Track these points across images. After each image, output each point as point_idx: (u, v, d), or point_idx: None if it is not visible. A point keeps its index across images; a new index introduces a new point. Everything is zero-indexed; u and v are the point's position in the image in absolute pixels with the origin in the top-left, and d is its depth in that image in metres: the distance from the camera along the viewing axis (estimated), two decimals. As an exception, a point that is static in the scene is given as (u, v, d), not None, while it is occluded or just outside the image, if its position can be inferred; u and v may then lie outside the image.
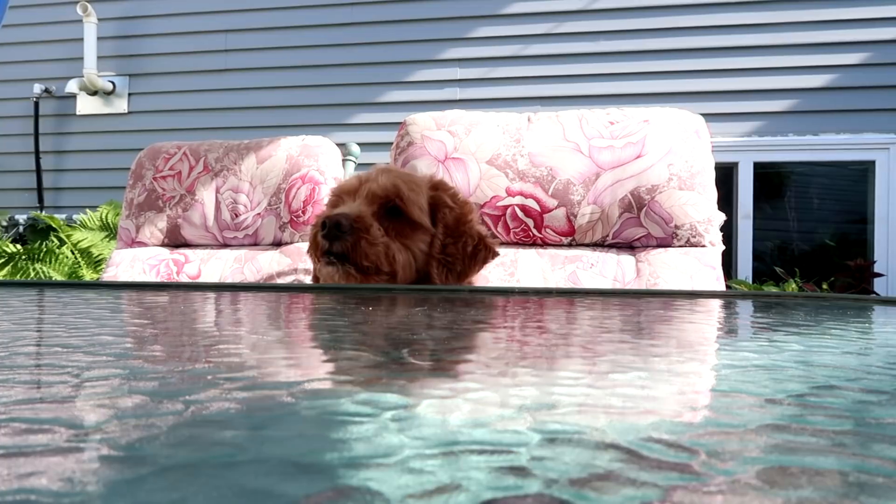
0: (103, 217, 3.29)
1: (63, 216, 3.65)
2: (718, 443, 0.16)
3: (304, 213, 1.58)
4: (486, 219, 1.39)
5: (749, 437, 0.17)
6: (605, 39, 3.25)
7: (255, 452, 0.15)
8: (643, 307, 0.57)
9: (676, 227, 1.32)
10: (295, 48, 3.55)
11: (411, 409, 0.19)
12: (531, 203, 1.37)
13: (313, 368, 0.28)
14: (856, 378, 0.26)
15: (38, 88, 3.75)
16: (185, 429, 0.17)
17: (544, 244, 1.41)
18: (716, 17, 3.16)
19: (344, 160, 1.76)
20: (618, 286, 1.30)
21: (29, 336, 0.38)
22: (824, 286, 2.81)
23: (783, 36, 3.09)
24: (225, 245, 1.68)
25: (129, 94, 3.74)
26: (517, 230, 1.39)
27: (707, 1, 3.17)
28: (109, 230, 3.23)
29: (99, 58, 3.68)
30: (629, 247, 1.38)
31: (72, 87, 3.68)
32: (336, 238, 0.99)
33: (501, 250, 1.24)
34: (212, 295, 0.69)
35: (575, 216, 1.36)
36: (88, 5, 3.56)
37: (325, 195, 1.59)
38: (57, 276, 2.92)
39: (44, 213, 3.69)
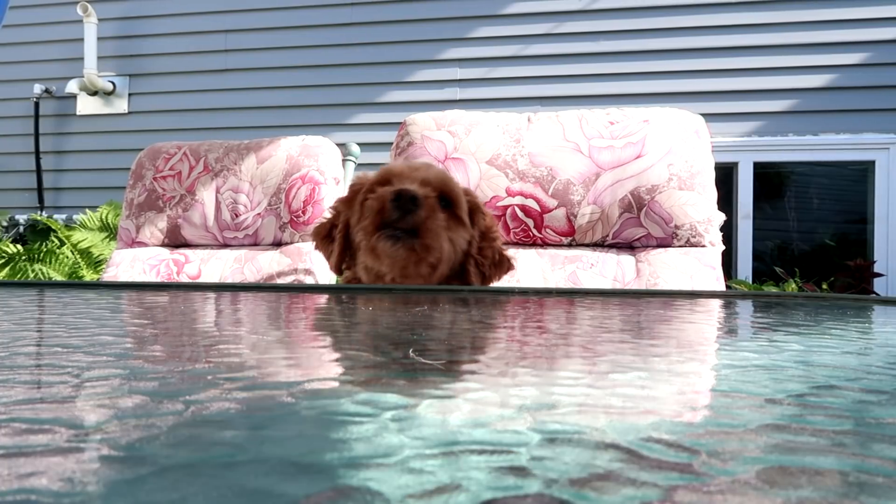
0: (103, 217, 3.29)
1: (63, 216, 3.65)
2: (718, 443, 0.16)
3: (304, 213, 1.58)
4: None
5: (749, 437, 0.17)
6: (605, 39, 3.25)
7: (255, 452, 0.15)
8: (643, 307, 0.57)
9: (676, 227, 1.32)
10: (295, 48, 3.55)
11: (411, 409, 0.19)
12: (531, 203, 1.37)
13: (313, 368, 0.28)
14: (856, 378, 0.26)
15: (38, 88, 3.75)
16: (185, 429, 0.17)
17: (544, 244, 1.41)
18: (716, 17, 3.16)
19: (344, 160, 1.76)
20: (618, 286, 1.30)
21: (29, 336, 0.38)
22: (824, 286, 2.81)
23: (783, 36, 3.09)
24: (225, 245, 1.68)
25: (130, 95, 3.74)
26: (517, 230, 1.39)
27: (707, 1, 3.17)
28: (109, 230, 3.23)
29: (99, 58, 3.68)
30: (629, 247, 1.38)
31: (72, 87, 3.68)
32: (409, 212, 0.97)
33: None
34: (212, 295, 0.69)
35: (575, 216, 1.36)
36: (89, 5, 3.56)
37: (325, 195, 1.60)
38: (57, 277, 2.92)
39: (44, 213, 3.70)
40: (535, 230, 1.39)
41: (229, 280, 1.55)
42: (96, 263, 3.04)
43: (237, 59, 3.61)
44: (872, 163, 3.05)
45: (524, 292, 0.71)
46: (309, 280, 1.52)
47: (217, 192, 1.65)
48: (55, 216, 3.66)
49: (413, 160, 1.12)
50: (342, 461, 0.14)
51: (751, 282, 3.04)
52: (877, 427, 0.18)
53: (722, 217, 1.36)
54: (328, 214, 1.17)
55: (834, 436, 0.17)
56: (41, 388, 0.23)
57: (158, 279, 1.59)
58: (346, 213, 1.11)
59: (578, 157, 1.37)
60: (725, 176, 3.18)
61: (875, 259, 2.98)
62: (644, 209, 1.33)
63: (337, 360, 0.31)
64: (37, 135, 3.74)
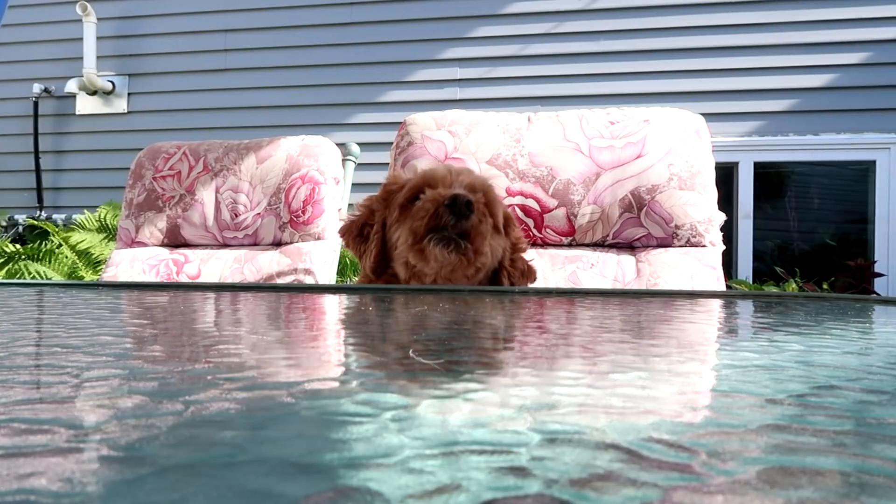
0: (103, 217, 3.29)
1: (62, 216, 3.65)
2: (718, 443, 0.16)
3: (303, 212, 1.58)
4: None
5: (749, 437, 0.17)
6: (605, 39, 3.25)
7: (255, 452, 0.15)
8: (643, 307, 0.57)
9: (677, 226, 1.32)
10: (294, 48, 3.55)
11: (411, 409, 0.19)
12: (531, 203, 1.37)
13: (313, 368, 0.28)
14: (856, 378, 0.26)
15: (37, 88, 3.75)
16: (185, 429, 0.17)
17: (544, 244, 1.41)
18: (716, 16, 3.16)
19: (344, 160, 1.76)
20: (618, 286, 1.30)
21: (29, 336, 0.38)
22: (825, 286, 2.81)
23: (783, 36, 3.09)
24: (225, 245, 1.68)
25: (129, 94, 3.74)
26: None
27: (707, 1, 3.17)
28: (109, 230, 3.23)
29: (98, 57, 3.68)
30: (629, 247, 1.38)
31: (71, 86, 3.68)
32: (464, 217, 0.97)
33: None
34: (212, 295, 0.69)
35: (575, 216, 1.36)
36: (88, 5, 3.56)
37: (325, 195, 1.60)
38: (56, 277, 2.92)
39: (43, 213, 3.70)
40: (535, 230, 1.39)
41: (229, 280, 1.55)
42: (95, 263, 3.04)
43: (237, 59, 3.61)
44: (873, 162, 3.05)
45: (524, 292, 0.71)
46: (309, 280, 1.52)
47: (217, 191, 1.65)
48: (54, 216, 3.66)
49: (452, 165, 1.12)
50: (342, 461, 0.14)
51: (751, 282, 3.04)
52: (877, 427, 0.18)
53: (722, 217, 1.36)
54: (358, 212, 1.16)
55: (834, 436, 0.17)
56: (41, 388, 0.23)
57: (158, 279, 1.59)
58: (381, 212, 1.11)
59: (579, 156, 1.37)
60: (726, 176, 3.18)
61: (875, 259, 2.98)
62: (644, 209, 1.33)
63: (337, 360, 0.31)
64: (36, 134, 3.74)
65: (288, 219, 1.59)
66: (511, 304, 0.59)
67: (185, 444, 0.16)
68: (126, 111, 3.74)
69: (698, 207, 1.32)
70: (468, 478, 0.13)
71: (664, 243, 1.35)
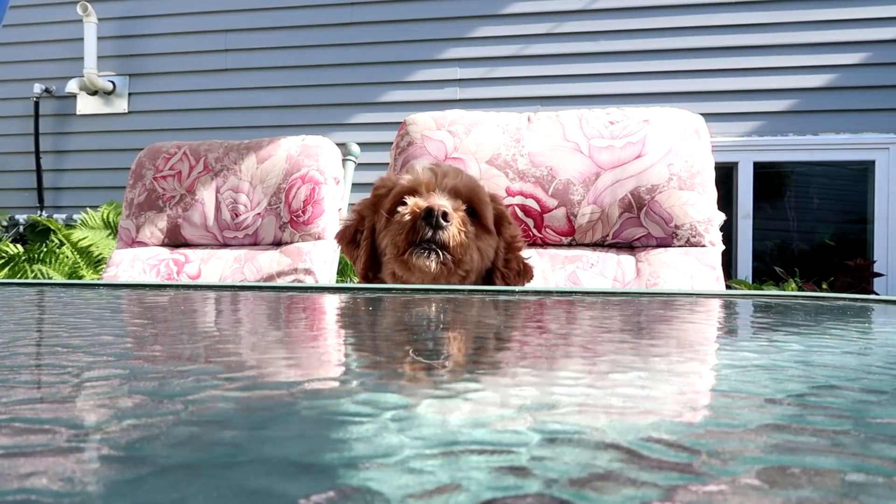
0: (103, 217, 3.29)
1: (63, 216, 3.65)
2: (718, 443, 0.16)
3: (304, 212, 1.58)
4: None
5: (749, 437, 0.17)
6: (605, 39, 3.25)
7: (256, 452, 0.15)
8: (643, 307, 0.57)
9: (676, 226, 1.32)
10: (295, 48, 3.55)
11: (411, 409, 0.19)
12: (531, 203, 1.37)
13: (313, 368, 0.28)
14: (856, 378, 0.26)
15: (38, 88, 3.75)
16: (185, 429, 0.17)
17: (544, 244, 1.41)
18: (716, 16, 3.16)
19: (344, 160, 1.76)
20: (618, 286, 1.30)
21: (29, 336, 0.38)
22: (824, 286, 2.81)
23: (783, 36, 3.09)
24: (225, 245, 1.68)
25: (129, 94, 3.74)
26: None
27: (707, 1, 3.17)
28: (110, 230, 3.23)
29: (99, 58, 3.68)
30: (629, 247, 1.38)
31: (72, 86, 3.68)
32: (440, 228, 0.99)
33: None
34: (212, 295, 0.69)
35: (575, 216, 1.36)
36: (88, 5, 3.56)
37: (325, 195, 1.60)
38: (57, 277, 2.92)
39: (44, 213, 3.70)
40: (535, 230, 1.39)
41: (229, 280, 1.55)
42: (96, 263, 3.04)
43: (237, 59, 3.61)
44: (872, 162, 3.05)
45: (524, 292, 0.71)
46: (309, 280, 1.52)
47: (217, 191, 1.65)
48: (55, 216, 3.66)
49: (441, 165, 1.13)
50: (342, 461, 0.14)
51: (751, 282, 3.04)
52: (877, 427, 0.18)
53: (722, 217, 1.36)
54: (351, 217, 1.18)
55: (834, 436, 0.17)
56: (41, 388, 0.23)
57: (158, 279, 1.59)
58: (370, 217, 1.12)
59: (578, 156, 1.37)
60: (725, 176, 3.18)
61: (875, 259, 2.98)
62: (644, 209, 1.33)
63: (337, 360, 0.31)
64: (37, 134, 3.74)
65: (288, 219, 1.59)
66: (511, 304, 0.59)
67: (186, 443, 0.16)
68: (126, 111, 3.74)
69: (698, 207, 1.32)
70: (468, 477, 0.13)
71: (664, 243, 1.35)
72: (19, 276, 2.88)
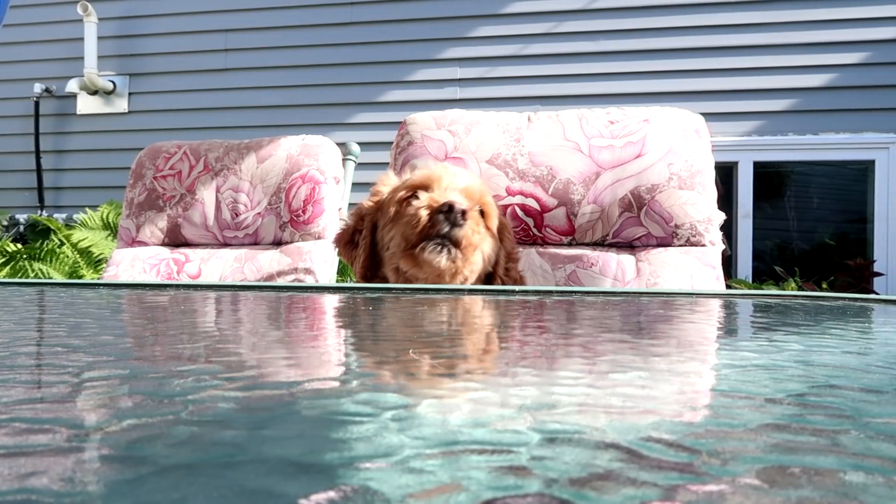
0: (103, 217, 3.29)
1: (63, 215, 3.65)
2: (718, 443, 0.16)
3: (304, 212, 1.58)
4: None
5: (749, 437, 0.17)
6: (604, 39, 3.25)
7: (256, 452, 0.15)
8: (643, 307, 0.57)
9: (676, 226, 1.32)
10: (295, 48, 3.55)
11: (411, 409, 0.19)
12: (531, 202, 1.37)
13: (313, 368, 0.28)
14: (856, 378, 0.26)
15: (38, 88, 3.75)
16: (185, 429, 0.17)
17: (544, 243, 1.41)
18: (716, 16, 3.16)
19: (344, 160, 1.76)
20: (618, 286, 1.30)
21: (29, 336, 0.38)
22: (824, 285, 2.81)
23: (783, 35, 3.09)
24: (225, 244, 1.68)
25: (130, 94, 3.74)
26: (517, 230, 1.39)
27: (707, 1, 3.17)
28: (110, 230, 3.23)
29: (99, 57, 3.68)
30: (629, 246, 1.38)
31: (72, 86, 3.68)
32: (458, 225, 0.98)
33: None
34: (212, 295, 0.69)
35: (575, 215, 1.36)
36: (89, 5, 3.56)
37: (325, 194, 1.60)
38: (57, 276, 2.92)
39: (44, 212, 3.70)
40: (535, 229, 1.39)
41: (229, 279, 1.55)
42: (96, 263, 3.04)
43: (237, 59, 3.61)
44: (872, 162, 3.05)
45: (524, 292, 0.71)
46: (309, 279, 1.52)
47: (217, 191, 1.65)
48: (55, 215, 3.66)
49: (450, 166, 1.13)
50: (342, 461, 0.14)
51: (751, 281, 3.04)
52: (876, 427, 0.18)
53: (722, 216, 1.36)
54: (348, 221, 1.18)
55: (834, 436, 0.17)
56: (41, 387, 0.23)
57: (158, 278, 1.59)
58: (371, 216, 1.12)
59: (578, 156, 1.37)
60: (725, 175, 3.18)
61: (875, 258, 2.98)
62: (644, 208, 1.33)
63: (337, 360, 0.31)
64: (37, 134, 3.74)
65: (288, 218, 1.59)
66: (511, 304, 0.59)
67: (186, 443, 0.16)
68: (127, 111, 3.74)
69: (698, 207, 1.32)
70: (468, 477, 0.13)
71: (664, 243, 1.35)
72: (20, 275, 2.88)
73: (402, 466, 0.14)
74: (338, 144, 1.72)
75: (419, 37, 3.43)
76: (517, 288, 0.77)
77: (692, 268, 1.29)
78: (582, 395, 0.21)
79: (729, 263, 3.13)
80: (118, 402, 0.20)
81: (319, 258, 1.56)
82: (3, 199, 3.82)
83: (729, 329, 0.50)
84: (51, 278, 2.85)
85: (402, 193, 1.06)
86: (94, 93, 3.73)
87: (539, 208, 1.37)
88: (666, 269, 1.29)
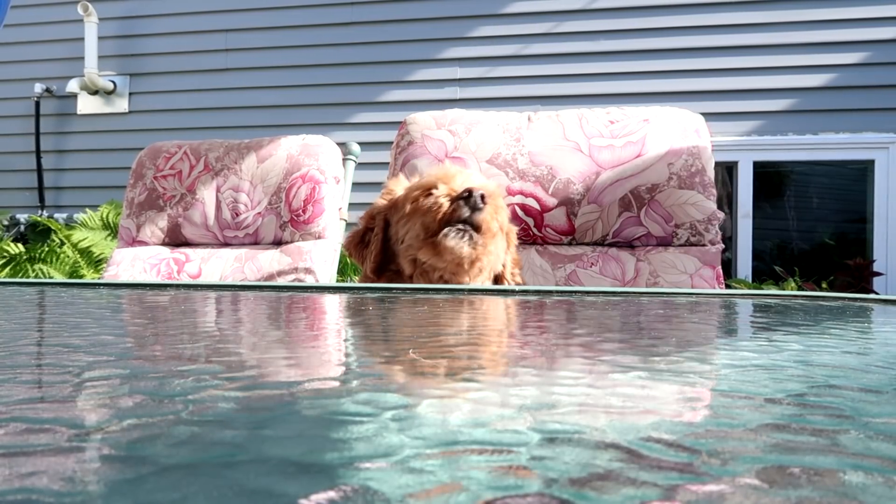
0: (103, 217, 3.29)
1: (64, 215, 3.65)
2: (718, 443, 0.16)
3: (304, 212, 1.58)
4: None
5: (749, 437, 0.17)
6: (604, 39, 3.25)
7: (256, 452, 0.15)
8: (643, 307, 0.57)
9: (676, 226, 1.32)
10: (295, 47, 3.55)
11: (411, 409, 0.19)
12: (531, 202, 1.37)
13: (314, 368, 0.28)
14: (855, 378, 0.26)
15: (38, 88, 3.75)
16: (185, 429, 0.17)
17: (544, 243, 1.41)
18: (716, 16, 3.15)
19: (344, 159, 1.76)
20: (618, 285, 1.30)
21: (30, 336, 0.38)
22: (824, 285, 2.81)
23: (783, 35, 3.09)
24: (225, 244, 1.68)
25: (130, 94, 3.74)
26: (517, 229, 1.39)
27: (707, 1, 3.17)
28: (110, 229, 3.23)
29: (100, 57, 3.68)
30: (629, 246, 1.38)
31: (72, 86, 3.68)
32: (478, 209, 1.00)
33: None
34: (212, 294, 0.69)
35: (575, 215, 1.36)
36: (89, 5, 3.56)
37: (325, 194, 1.60)
38: (58, 276, 2.92)
39: (45, 212, 3.70)
40: (535, 229, 1.39)
41: (230, 279, 1.55)
42: (97, 262, 3.04)
43: (237, 59, 3.61)
44: (872, 162, 3.05)
45: (524, 292, 0.71)
46: (309, 279, 1.52)
47: (217, 191, 1.65)
48: (56, 215, 3.66)
49: (459, 167, 1.15)
50: (342, 461, 0.14)
51: (750, 281, 3.04)
52: (876, 427, 0.18)
53: (722, 216, 1.36)
54: (358, 225, 1.20)
55: (834, 436, 0.17)
56: (42, 387, 0.23)
57: (159, 278, 1.59)
58: (382, 215, 1.13)
59: (578, 156, 1.37)
60: (725, 175, 3.18)
61: (874, 258, 2.98)
62: (644, 208, 1.33)
63: (337, 360, 0.31)
64: (37, 134, 3.74)
65: (288, 218, 1.59)
66: (511, 304, 0.59)
67: (186, 443, 0.16)
68: (127, 111, 3.74)
69: (698, 206, 1.32)
70: (468, 477, 0.13)
71: (664, 242, 1.35)
72: (20, 275, 2.88)
73: (402, 466, 0.14)
74: (338, 144, 1.72)
75: (419, 37, 3.43)
76: (517, 288, 0.77)
77: (692, 267, 1.29)
78: (582, 395, 0.21)
79: (729, 263, 3.13)
80: (118, 402, 0.20)
81: (319, 258, 1.56)
82: (4, 198, 3.82)
83: (729, 329, 0.50)
84: (51, 278, 2.85)
85: (418, 192, 1.08)
86: (95, 93, 3.73)
87: (539, 208, 1.37)
88: (666, 269, 1.29)
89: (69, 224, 3.47)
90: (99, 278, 2.50)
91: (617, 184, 1.34)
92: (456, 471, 0.14)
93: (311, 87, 3.52)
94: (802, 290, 2.68)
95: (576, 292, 0.71)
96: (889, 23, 3.01)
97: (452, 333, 0.40)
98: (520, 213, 1.37)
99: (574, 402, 0.20)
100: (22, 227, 3.67)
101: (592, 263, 1.33)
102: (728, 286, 2.46)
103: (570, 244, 1.41)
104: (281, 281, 1.51)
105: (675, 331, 0.43)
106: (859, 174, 3.24)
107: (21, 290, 0.73)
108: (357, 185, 2.03)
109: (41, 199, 3.74)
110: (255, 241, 1.65)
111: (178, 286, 0.77)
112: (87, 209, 3.39)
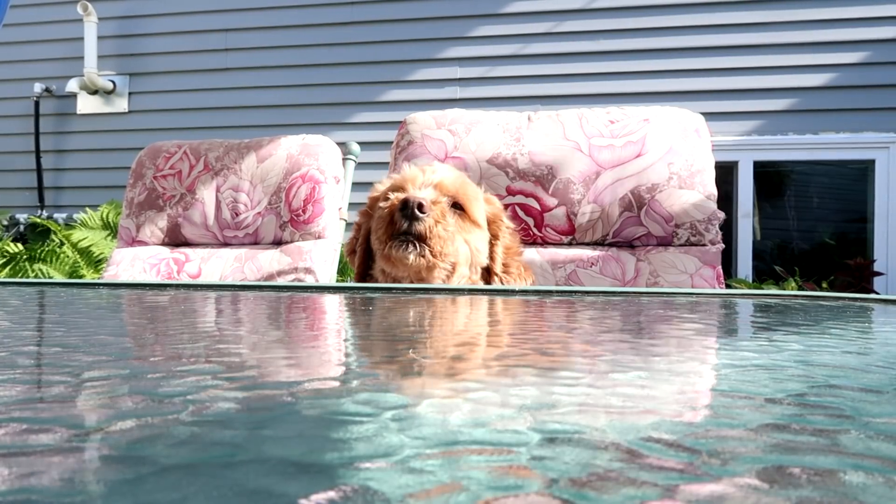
0: (103, 217, 3.29)
1: (63, 215, 3.65)
2: (718, 443, 0.16)
3: (304, 211, 1.58)
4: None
5: (749, 437, 0.17)
6: (605, 38, 3.25)
7: (256, 452, 0.15)
8: (643, 307, 0.57)
9: (677, 225, 1.32)
10: (295, 47, 3.55)
11: (411, 409, 0.19)
12: (531, 202, 1.37)
13: (313, 368, 0.28)
14: (855, 378, 0.26)
15: (38, 87, 3.75)
16: (185, 429, 0.17)
17: (544, 243, 1.41)
18: (716, 16, 3.15)
19: (344, 159, 1.76)
20: (618, 285, 1.30)
21: (29, 336, 0.38)
22: (824, 285, 2.81)
23: (783, 35, 3.09)
24: (225, 244, 1.68)
25: (130, 94, 3.74)
26: (517, 229, 1.39)
27: (708, 0, 3.16)
28: (110, 229, 3.23)
29: (99, 57, 3.68)
30: (629, 246, 1.38)
31: (72, 86, 3.68)
32: (416, 219, 0.99)
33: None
34: (212, 294, 0.69)
35: (575, 215, 1.36)
36: (89, 4, 3.56)
37: (325, 194, 1.60)
38: (57, 276, 2.92)
39: (44, 212, 3.70)
40: (535, 229, 1.39)
41: (229, 279, 1.55)
42: (97, 262, 3.04)
43: (237, 58, 3.61)
44: (872, 162, 3.05)
45: (524, 292, 0.71)
46: (309, 279, 1.52)
47: (217, 190, 1.65)
48: (55, 215, 3.66)
49: (428, 162, 1.14)
50: (342, 461, 0.14)
51: (751, 281, 3.04)
52: (877, 427, 0.18)
53: (722, 216, 1.36)
54: (352, 233, 1.21)
55: (834, 436, 0.17)
56: (41, 387, 0.23)
57: (158, 278, 1.59)
58: (366, 223, 1.14)
59: (579, 155, 1.37)
60: (725, 175, 3.18)
61: (875, 258, 2.98)
62: (644, 208, 1.33)
63: (337, 360, 0.31)
64: (37, 134, 3.74)
65: (288, 218, 1.59)
66: (511, 304, 0.59)
67: (186, 443, 0.16)
68: (127, 110, 3.74)
69: (698, 206, 1.32)
70: (468, 477, 0.13)
71: (664, 242, 1.35)
72: (20, 275, 2.88)
73: (402, 466, 0.14)
74: (338, 144, 1.72)
75: (419, 36, 3.43)
76: (517, 288, 0.77)
77: (692, 267, 1.29)
78: (582, 395, 0.21)
79: (729, 263, 3.13)
80: (118, 402, 0.20)
81: (319, 258, 1.56)
82: (4, 198, 3.82)
83: (729, 329, 0.50)
84: (51, 278, 2.85)
85: (381, 199, 1.08)
86: (94, 92, 3.73)
87: (539, 208, 1.37)
88: (666, 269, 1.29)
89: (69, 224, 3.47)
90: (99, 278, 2.50)
91: (617, 183, 1.34)
92: (456, 471, 0.14)
93: (310, 87, 3.52)
94: (803, 289, 2.68)
95: (576, 292, 0.71)
96: (889, 22, 3.01)
97: (453, 333, 0.40)
98: (520, 213, 1.37)
99: (574, 402, 0.20)
100: (22, 227, 3.67)
101: (592, 263, 1.33)
102: (728, 286, 2.46)
103: (570, 244, 1.41)
104: (281, 281, 1.51)
105: (675, 331, 0.43)
106: (860, 174, 3.24)
107: (21, 290, 0.73)
108: (357, 185, 2.03)
109: (41, 198, 3.74)
110: (254, 241, 1.65)
111: (177, 286, 0.77)
112: (87, 209, 3.39)
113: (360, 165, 2.03)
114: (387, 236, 1.02)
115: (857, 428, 0.18)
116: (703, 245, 1.33)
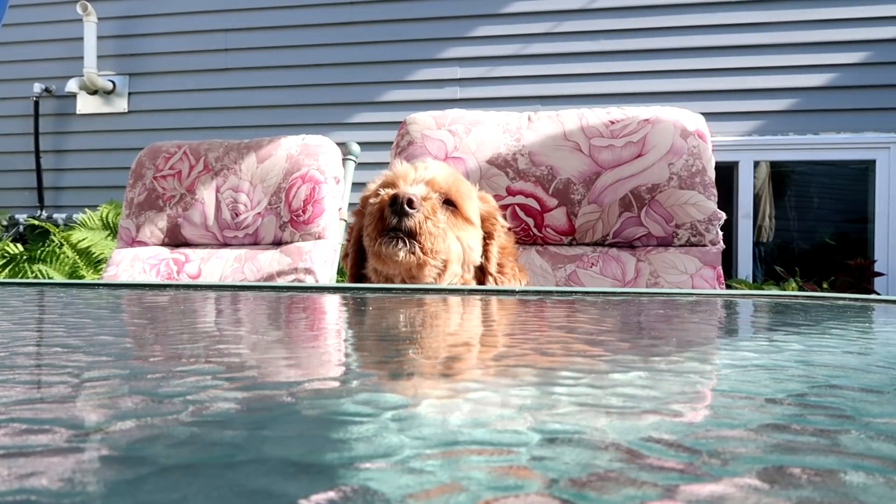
0: (103, 217, 3.29)
1: (63, 215, 3.65)
2: (718, 443, 0.16)
3: (304, 212, 1.58)
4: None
5: (749, 437, 0.17)
6: (605, 38, 3.25)
7: (256, 452, 0.15)
8: (643, 307, 0.57)
9: (677, 226, 1.32)
10: (295, 47, 3.55)
11: (411, 409, 0.19)
12: (531, 202, 1.37)
13: (313, 368, 0.28)
14: (856, 378, 0.26)
15: (38, 88, 3.75)
16: (185, 429, 0.17)
17: (544, 243, 1.41)
18: (716, 16, 3.15)
19: (344, 159, 1.76)
20: (618, 285, 1.30)
21: (29, 336, 0.38)
22: (825, 285, 2.81)
23: (784, 35, 3.09)
24: (225, 244, 1.68)
25: (130, 94, 3.74)
26: (517, 229, 1.39)
27: (707, 0, 3.17)
28: (110, 230, 3.23)
29: (99, 57, 3.68)
30: (629, 246, 1.38)
31: (72, 86, 3.69)
32: (406, 215, 0.97)
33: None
34: (212, 295, 0.69)
35: (575, 215, 1.36)
36: (88, 4, 3.56)
37: (325, 194, 1.60)
38: (57, 277, 2.92)
39: (44, 212, 3.70)
40: (535, 229, 1.39)
41: (229, 279, 1.55)
42: (96, 263, 3.04)
43: (237, 59, 3.61)
44: (873, 162, 3.05)
45: (524, 292, 0.71)
46: (309, 279, 1.52)
47: (217, 191, 1.65)
48: (55, 215, 3.66)
49: (422, 160, 1.13)
50: (342, 461, 0.14)
51: (751, 281, 3.04)
52: (877, 427, 0.18)
53: (722, 216, 1.36)
54: (347, 233, 1.21)
55: (834, 436, 0.17)
56: (41, 388, 0.23)
57: (158, 278, 1.59)
58: (358, 222, 1.13)
59: (579, 156, 1.37)
60: (726, 175, 3.18)
61: (875, 258, 2.98)
62: (644, 208, 1.33)
63: (337, 360, 0.31)
64: (37, 134, 3.74)
65: (288, 218, 1.59)
66: (511, 304, 0.59)
67: (186, 443, 0.16)
68: (126, 111, 3.74)
69: (698, 206, 1.32)
70: (468, 477, 0.13)
71: (664, 242, 1.35)
72: (20, 275, 2.88)
73: (402, 466, 0.14)
74: (338, 144, 1.72)
75: (419, 37, 3.43)
76: (517, 288, 0.77)
77: (692, 267, 1.29)
78: (582, 395, 0.21)
79: (729, 263, 3.13)
80: (118, 402, 0.20)
81: (319, 258, 1.56)
82: (3, 199, 3.82)
83: (729, 329, 0.50)
84: (51, 279, 2.85)
85: (371, 196, 1.07)
86: (94, 92, 3.73)
87: (539, 208, 1.37)
88: (666, 269, 1.29)
89: (68, 224, 3.47)
90: (98, 278, 2.50)
91: (617, 184, 1.34)
92: (456, 471, 0.14)
93: (310, 87, 3.52)
94: (803, 290, 2.68)
95: (576, 292, 0.71)
96: (889, 22, 3.01)
97: (452, 333, 0.40)
98: (520, 213, 1.37)
99: (574, 402, 0.20)
100: (21, 228, 3.67)
101: (593, 264, 1.33)
102: (728, 286, 2.46)
103: (570, 244, 1.41)
104: (281, 281, 1.51)
105: (675, 331, 0.43)
106: (860, 174, 3.24)
107: (20, 290, 0.73)
108: (357, 185, 2.03)
109: (40, 199, 3.74)
110: (254, 242, 1.65)
111: (177, 286, 0.77)
112: (87, 209, 3.39)
113: (361, 166, 2.03)
114: (376, 233, 1.00)
115: (858, 428, 0.18)
116: (704, 245, 1.33)
